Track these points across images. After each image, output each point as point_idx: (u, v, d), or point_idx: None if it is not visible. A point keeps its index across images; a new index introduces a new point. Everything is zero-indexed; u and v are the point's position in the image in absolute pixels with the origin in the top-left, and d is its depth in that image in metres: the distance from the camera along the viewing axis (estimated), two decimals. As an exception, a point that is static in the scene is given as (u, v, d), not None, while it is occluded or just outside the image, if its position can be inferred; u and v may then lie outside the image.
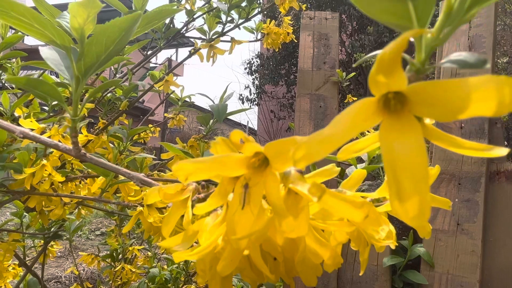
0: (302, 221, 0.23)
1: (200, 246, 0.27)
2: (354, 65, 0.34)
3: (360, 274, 0.34)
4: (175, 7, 1.04)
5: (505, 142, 1.77)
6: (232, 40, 1.17)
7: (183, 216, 0.33)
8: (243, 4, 1.06)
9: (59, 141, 0.87)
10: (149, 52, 1.33)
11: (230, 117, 1.01)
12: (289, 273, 0.29)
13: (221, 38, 1.15)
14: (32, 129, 0.87)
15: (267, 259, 0.29)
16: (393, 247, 0.29)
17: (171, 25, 1.28)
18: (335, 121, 0.18)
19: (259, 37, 1.48)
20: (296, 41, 1.72)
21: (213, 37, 1.10)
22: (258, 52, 9.48)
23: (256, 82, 9.71)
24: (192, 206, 0.31)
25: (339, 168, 0.28)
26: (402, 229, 1.48)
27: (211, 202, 0.25)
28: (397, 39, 0.15)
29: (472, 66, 0.17)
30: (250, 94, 9.84)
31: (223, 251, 0.26)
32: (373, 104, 0.19)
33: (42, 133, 0.88)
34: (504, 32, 4.97)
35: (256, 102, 9.94)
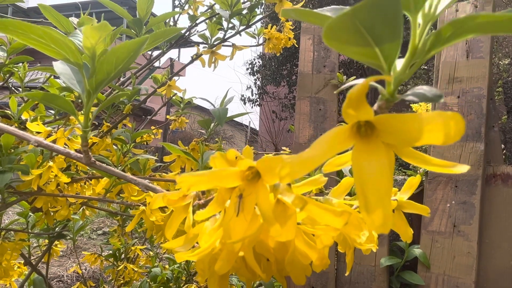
0: (290, 227, 0.26)
1: (200, 247, 0.30)
2: (335, 92, 0.37)
3: (346, 274, 0.37)
4: (178, 14, 1.07)
5: (502, 145, 1.79)
6: (233, 46, 1.20)
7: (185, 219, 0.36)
8: (244, 11, 1.09)
9: (65, 144, 0.91)
10: (153, 54, 1.36)
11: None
12: (281, 273, 0.33)
13: (223, 44, 1.18)
14: (39, 132, 0.90)
15: (261, 259, 0.33)
16: (374, 250, 0.32)
17: (174, 30, 1.30)
18: (314, 145, 0.21)
19: (260, 41, 1.50)
20: (297, 45, 1.75)
21: (215, 43, 1.13)
22: (260, 52, 9.51)
23: (258, 82, 9.74)
24: (193, 211, 0.34)
25: (326, 178, 0.31)
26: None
27: (210, 209, 0.28)
28: (361, 83, 0.18)
29: (429, 99, 0.20)
30: (252, 95, 9.88)
31: (221, 252, 0.29)
32: (347, 130, 0.22)
33: (48, 135, 0.91)
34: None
35: (258, 103, 9.98)
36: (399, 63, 0.22)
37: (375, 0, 0.16)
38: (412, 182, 0.37)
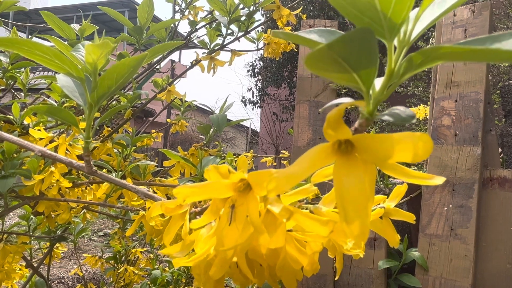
0: (279, 235, 0.27)
1: (195, 254, 0.32)
2: (320, 110, 0.39)
3: (336, 279, 0.38)
4: (178, 22, 1.09)
5: (500, 149, 1.81)
6: (232, 52, 1.22)
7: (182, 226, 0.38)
8: (243, 18, 1.10)
9: (67, 150, 0.92)
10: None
11: (232, 118, 1.06)
12: (273, 277, 0.34)
13: (222, 49, 1.20)
14: (41, 138, 0.92)
15: (254, 265, 0.34)
16: (361, 255, 0.33)
17: (175, 36, 1.32)
18: (298, 161, 0.22)
19: (260, 45, 1.52)
20: (296, 50, 1.76)
21: (215, 48, 1.15)
22: (261, 54, 9.54)
23: (259, 84, 9.77)
24: (190, 219, 0.36)
25: (316, 188, 0.32)
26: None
27: (204, 218, 0.30)
28: (338, 107, 0.20)
29: (403, 119, 0.22)
30: (253, 97, 9.91)
31: (215, 258, 0.31)
32: (329, 147, 0.23)
33: (51, 141, 0.92)
34: (507, 36, 4.99)
35: (258, 105, 10.00)
36: (378, 83, 0.23)
37: (349, 36, 0.18)
38: (399, 190, 0.38)
